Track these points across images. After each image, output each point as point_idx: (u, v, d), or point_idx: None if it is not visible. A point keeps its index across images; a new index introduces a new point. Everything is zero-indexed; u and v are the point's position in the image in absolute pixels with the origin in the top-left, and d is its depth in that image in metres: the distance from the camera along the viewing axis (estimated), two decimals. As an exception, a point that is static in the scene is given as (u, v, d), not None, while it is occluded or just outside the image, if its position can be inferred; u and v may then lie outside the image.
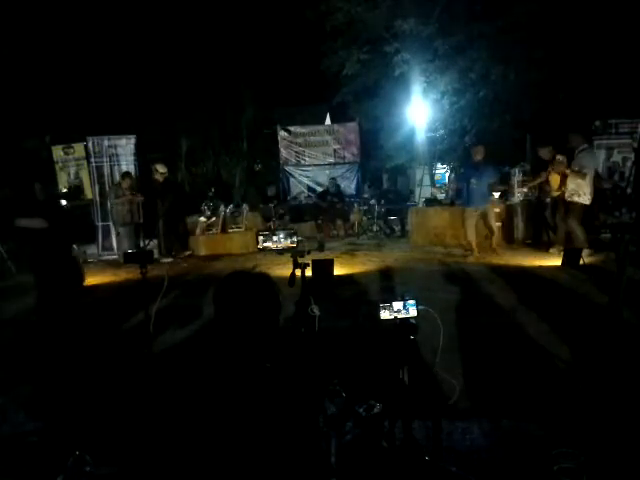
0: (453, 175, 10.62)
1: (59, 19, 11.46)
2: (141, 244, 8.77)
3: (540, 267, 6.41)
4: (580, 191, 6.70)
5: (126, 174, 8.69)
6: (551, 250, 7.13)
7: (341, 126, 12.38)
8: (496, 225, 7.44)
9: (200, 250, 8.80)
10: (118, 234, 8.79)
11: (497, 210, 8.20)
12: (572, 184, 6.76)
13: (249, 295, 1.46)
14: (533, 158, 9.40)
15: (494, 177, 7.38)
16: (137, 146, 9.32)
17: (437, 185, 11.12)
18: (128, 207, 8.43)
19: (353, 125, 12.15)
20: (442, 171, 12.33)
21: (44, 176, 3.95)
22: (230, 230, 9.19)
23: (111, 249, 9.13)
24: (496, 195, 8.32)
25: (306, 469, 1.37)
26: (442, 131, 10.78)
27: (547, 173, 7.21)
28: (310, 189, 12.20)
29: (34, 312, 3.96)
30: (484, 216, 7.30)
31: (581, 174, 6.65)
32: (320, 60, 11.18)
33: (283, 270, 6.42)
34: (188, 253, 8.52)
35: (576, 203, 6.75)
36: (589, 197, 6.72)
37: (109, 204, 8.81)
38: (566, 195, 6.86)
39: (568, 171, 6.80)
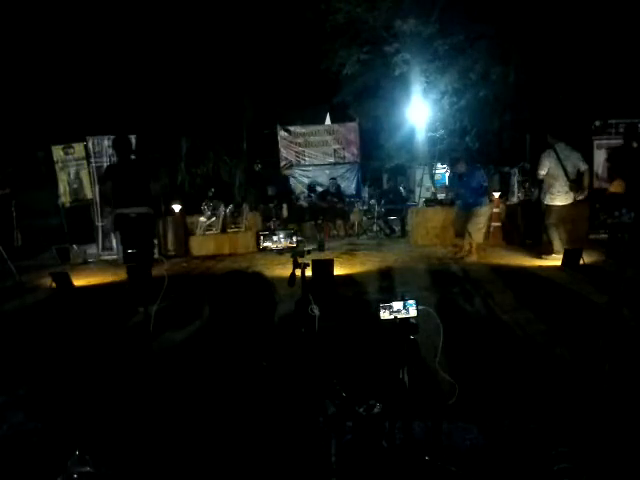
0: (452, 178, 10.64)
1: (59, 19, 11.46)
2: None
3: (540, 267, 6.41)
4: (547, 192, 6.76)
5: None
6: (554, 255, 6.95)
7: (341, 126, 12.37)
8: (478, 229, 7.12)
9: (200, 250, 8.81)
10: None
11: (497, 210, 8.21)
12: (544, 186, 6.86)
13: (243, 294, 1.46)
14: (533, 158, 9.40)
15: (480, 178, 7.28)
16: (137, 146, 9.30)
17: (437, 186, 11.13)
18: None
19: (353, 125, 12.14)
20: (442, 171, 12.34)
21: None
22: (230, 230, 9.19)
23: (111, 249, 9.12)
24: (496, 195, 8.32)
25: (306, 469, 1.37)
26: (442, 131, 10.79)
27: None
28: (310, 189, 12.20)
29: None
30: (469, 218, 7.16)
31: (539, 174, 6.79)
32: (320, 60, 11.18)
33: (283, 270, 6.43)
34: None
35: (547, 205, 6.82)
36: (557, 197, 6.70)
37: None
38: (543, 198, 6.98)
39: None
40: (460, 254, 7.23)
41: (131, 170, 5.41)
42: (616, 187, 7.01)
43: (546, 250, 6.98)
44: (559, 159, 6.63)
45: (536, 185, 8.42)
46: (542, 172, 6.74)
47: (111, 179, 5.39)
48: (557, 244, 6.71)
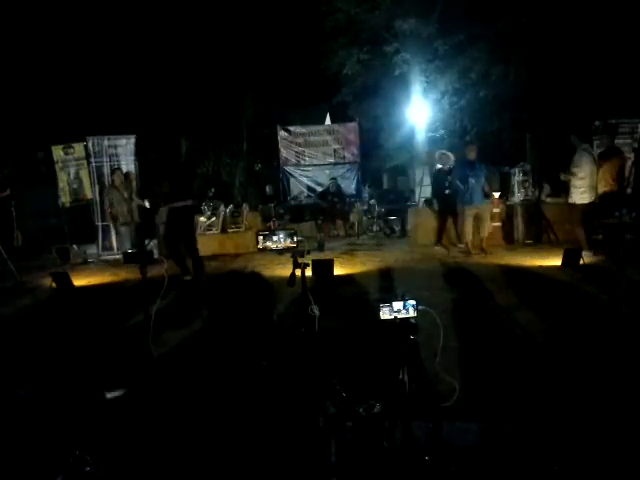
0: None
1: (59, 19, 11.46)
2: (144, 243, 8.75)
3: (540, 267, 6.41)
4: (575, 191, 6.82)
5: (116, 169, 8.69)
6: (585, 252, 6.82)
7: (341, 126, 12.38)
8: (489, 225, 7.50)
9: (200, 250, 8.79)
10: (118, 233, 8.80)
11: (497, 210, 8.21)
12: (571, 185, 6.89)
13: (241, 294, 1.47)
14: (533, 158, 9.40)
15: (486, 174, 7.45)
16: (137, 146, 9.31)
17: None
18: (127, 207, 8.42)
19: (353, 125, 12.14)
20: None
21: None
22: (230, 230, 9.19)
23: (111, 249, 9.13)
24: (496, 195, 8.33)
25: (306, 469, 1.37)
26: (442, 131, 10.80)
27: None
28: (310, 189, 12.20)
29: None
30: (479, 215, 7.34)
31: (574, 174, 6.77)
32: (320, 60, 11.19)
33: (283, 270, 6.43)
34: None
35: (574, 204, 6.87)
36: (587, 195, 6.74)
37: (106, 204, 8.77)
38: (568, 198, 7.04)
39: (563, 176, 7.02)
40: (474, 251, 7.36)
41: (180, 170, 6.68)
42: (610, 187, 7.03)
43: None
44: (594, 159, 6.75)
45: (536, 185, 8.43)
46: (579, 172, 6.73)
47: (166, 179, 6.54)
48: (583, 243, 6.74)
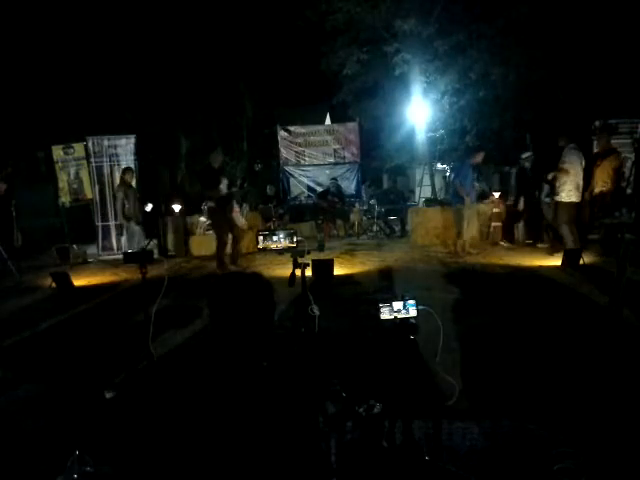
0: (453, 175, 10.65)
1: (59, 19, 11.46)
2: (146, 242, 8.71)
3: (540, 267, 6.41)
4: (563, 189, 6.75)
5: (128, 169, 8.60)
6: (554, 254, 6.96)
7: (341, 126, 12.36)
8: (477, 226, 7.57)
9: (200, 250, 8.80)
10: (120, 234, 8.77)
11: (497, 210, 8.22)
12: (558, 183, 6.84)
13: (241, 295, 1.46)
14: (533, 158, 9.38)
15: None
16: (137, 146, 9.31)
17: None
18: (139, 205, 8.36)
19: (353, 125, 12.13)
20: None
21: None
22: (230, 230, 9.17)
23: (111, 249, 9.13)
24: (496, 195, 8.34)
25: (306, 469, 1.37)
26: (442, 131, 10.79)
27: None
28: (310, 189, 12.19)
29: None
30: (471, 216, 7.37)
31: (564, 170, 6.71)
32: (320, 60, 11.19)
33: (283, 270, 6.42)
34: None
35: (561, 202, 6.80)
36: (574, 194, 6.71)
37: (120, 203, 8.62)
38: (555, 196, 6.96)
39: (551, 175, 6.96)
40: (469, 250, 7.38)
41: None
42: (603, 186, 7.02)
43: (556, 249, 6.96)
44: (581, 159, 6.72)
45: (536, 185, 8.42)
46: (570, 169, 6.66)
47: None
48: (570, 242, 6.69)
